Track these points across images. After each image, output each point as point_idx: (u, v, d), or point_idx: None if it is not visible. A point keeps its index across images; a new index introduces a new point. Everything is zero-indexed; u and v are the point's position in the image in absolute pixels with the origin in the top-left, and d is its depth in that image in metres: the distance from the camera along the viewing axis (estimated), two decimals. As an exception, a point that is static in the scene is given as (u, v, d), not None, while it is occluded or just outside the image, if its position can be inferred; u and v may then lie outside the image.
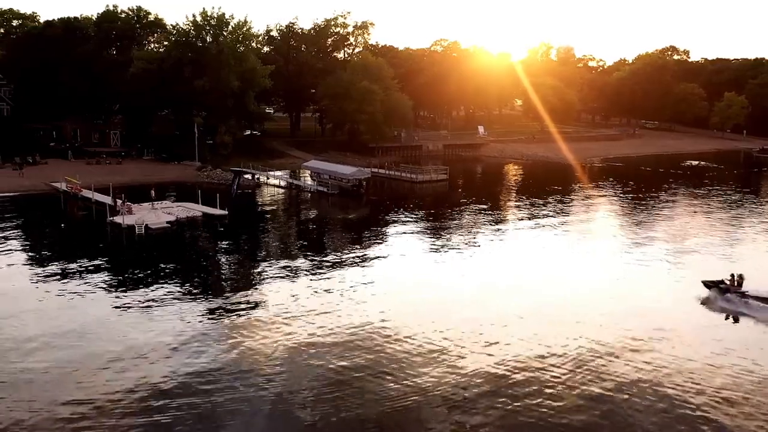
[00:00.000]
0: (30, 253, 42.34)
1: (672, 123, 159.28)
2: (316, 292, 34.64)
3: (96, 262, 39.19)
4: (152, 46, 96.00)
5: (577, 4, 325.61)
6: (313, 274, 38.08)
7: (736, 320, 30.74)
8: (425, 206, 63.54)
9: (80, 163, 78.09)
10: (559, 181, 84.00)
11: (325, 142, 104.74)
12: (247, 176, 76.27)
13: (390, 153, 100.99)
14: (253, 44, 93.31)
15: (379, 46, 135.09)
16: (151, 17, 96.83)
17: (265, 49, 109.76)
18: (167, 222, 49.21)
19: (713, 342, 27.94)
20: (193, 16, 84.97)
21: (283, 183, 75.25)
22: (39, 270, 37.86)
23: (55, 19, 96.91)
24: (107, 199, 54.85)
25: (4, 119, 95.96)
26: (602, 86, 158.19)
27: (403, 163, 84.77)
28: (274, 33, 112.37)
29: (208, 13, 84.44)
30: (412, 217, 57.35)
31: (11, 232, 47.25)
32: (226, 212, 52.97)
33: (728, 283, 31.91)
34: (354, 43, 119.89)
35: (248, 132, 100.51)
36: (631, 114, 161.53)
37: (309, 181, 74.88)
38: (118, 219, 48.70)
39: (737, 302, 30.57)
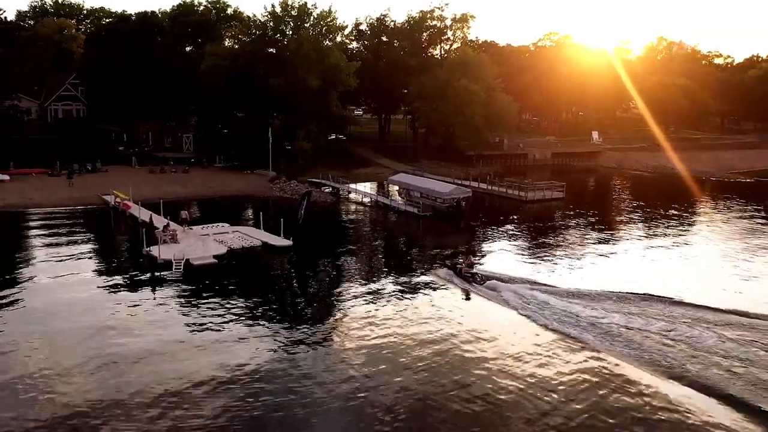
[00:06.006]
0: (27, 299, 32.20)
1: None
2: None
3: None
4: (230, 41, 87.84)
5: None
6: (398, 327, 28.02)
7: (467, 293, 34.44)
8: (538, 234, 50.36)
9: (143, 171, 70.25)
10: (701, 202, 68.42)
11: (416, 148, 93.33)
12: (325, 189, 66.23)
13: (490, 162, 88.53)
14: (339, 38, 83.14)
15: (479, 41, 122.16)
16: (230, 10, 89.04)
17: (354, 44, 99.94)
18: (215, 256, 38.72)
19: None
20: (272, 6, 75.87)
21: (366, 199, 64.11)
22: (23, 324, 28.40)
23: (132, 14, 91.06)
24: (159, 220, 45.81)
25: (80, 121, 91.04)
26: (734, 86, 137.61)
27: (506, 176, 71.95)
28: (363, 27, 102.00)
29: (288, 3, 74.92)
30: (520, 249, 45.15)
31: (20, 256, 38.59)
32: (291, 243, 42.15)
33: (461, 264, 37.19)
34: (452, 38, 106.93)
35: (332, 136, 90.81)
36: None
37: (397, 197, 63.33)
38: (155, 250, 38.64)
39: (453, 278, 36.50)
